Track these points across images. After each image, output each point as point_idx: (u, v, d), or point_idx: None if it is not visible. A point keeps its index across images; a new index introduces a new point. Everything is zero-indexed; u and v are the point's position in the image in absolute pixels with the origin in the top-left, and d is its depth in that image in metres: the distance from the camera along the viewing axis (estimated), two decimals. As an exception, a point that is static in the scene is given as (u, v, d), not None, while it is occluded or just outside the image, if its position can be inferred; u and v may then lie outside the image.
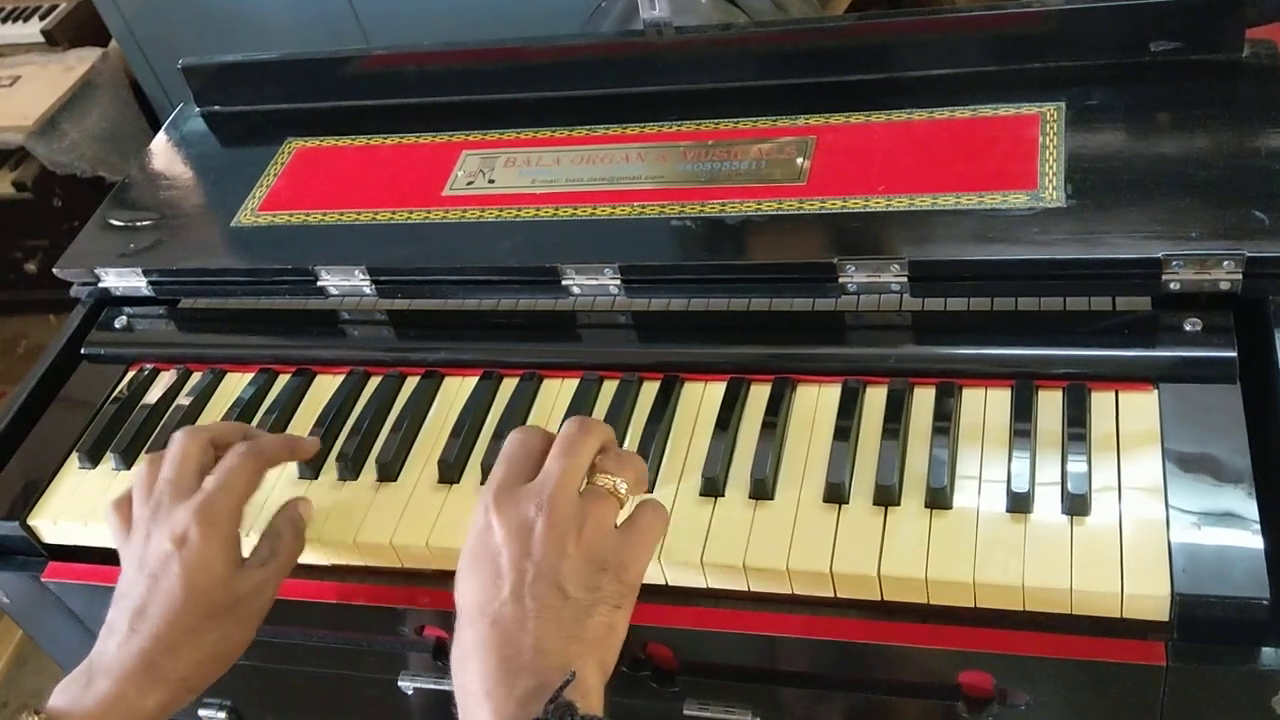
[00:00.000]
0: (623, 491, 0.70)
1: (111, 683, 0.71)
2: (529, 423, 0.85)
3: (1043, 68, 0.90)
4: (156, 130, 1.15)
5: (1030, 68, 0.91)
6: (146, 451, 0.91)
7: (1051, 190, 0.81)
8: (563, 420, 0.80)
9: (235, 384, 0.95)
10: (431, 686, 0.87)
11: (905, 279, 0.81)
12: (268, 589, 0.76)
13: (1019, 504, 0.71)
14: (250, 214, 1.00)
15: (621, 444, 0.81)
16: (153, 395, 0.96)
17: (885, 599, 0.72)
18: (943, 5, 1.32)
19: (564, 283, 0.88)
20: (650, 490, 0.78)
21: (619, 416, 0.83)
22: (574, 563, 0.66)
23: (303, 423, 0.90)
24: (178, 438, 0.79)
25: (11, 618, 0.99)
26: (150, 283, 0.99)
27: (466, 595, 0.67)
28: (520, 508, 0.67)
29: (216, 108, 1.14)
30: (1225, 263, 0.74)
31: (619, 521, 0.70)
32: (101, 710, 0.70)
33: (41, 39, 2.36)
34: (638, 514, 0.70)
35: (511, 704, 0.61)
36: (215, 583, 0.73)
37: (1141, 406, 0.74)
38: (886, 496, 0.73)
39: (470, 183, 0.97)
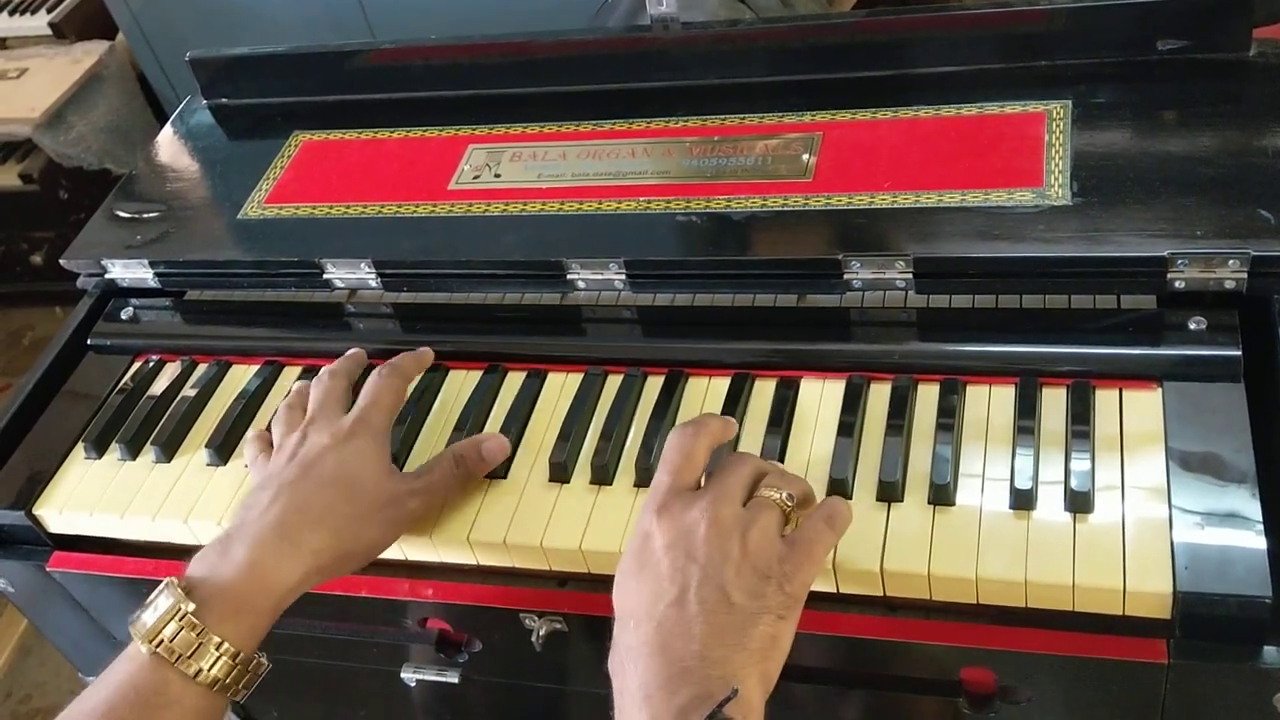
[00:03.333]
0: (789, 504, 0.68)
1: (249, 549, 0.71)
2: (533, 417, 0.85)
3: (1049, 65, 0.90)
4: (162, 123, 1.16)
5: (1037, 65, 0.91)
6: (152, 445, 0.91)
7: (1057, 188, 0.81)
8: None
9: (241, 376, 0.95)
10: (434, 678, 0.88)
11: (910, 276, 0.81)
12: (411, 501, 0.77)
13: (1022, 501, 0.71)
14: (257, 206, 1.00)
15: (625, 439, 0.82)
16: (158, 386, 0.96)
17: (888, 595, 0.72)
18: (950, 2, 1.32)
19: (569, 277, 0.88)
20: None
21: (623, 412, 0.83)
22: (739, 568, 0.64)
23: (308, 415, 0.90)
24: (322, 376, 0.84)
25: (16, 607, 0.99)
26: (156, 274, 1.00)
27: (628, 601, 0.66)
28: (684, 514, 0.67)
29: (224, 100, 1.14)
30: (1230, 262, 0.74)
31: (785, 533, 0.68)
32: (239, 575, 0.70)
33: (49, 31, 2.36)
34: (807, 523, 0.69)
35: (671, 711, 0.60)
36: (365, 476, 0.76)
37: (1145, 405, 0.75)
38: (890, 493, 0.73)
39: (476, 177, 0.97)
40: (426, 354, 0.88)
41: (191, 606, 0.68)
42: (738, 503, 0.67)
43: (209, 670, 0.68)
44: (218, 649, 0.68)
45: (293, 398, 0.85)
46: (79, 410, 0.96)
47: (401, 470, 0.81)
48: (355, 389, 0.85)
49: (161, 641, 0.67)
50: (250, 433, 0.86)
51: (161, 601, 0.68)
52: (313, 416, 0.80)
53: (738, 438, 0.79)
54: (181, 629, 0.67)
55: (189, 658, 0.67)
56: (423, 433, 0.86)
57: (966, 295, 0.82)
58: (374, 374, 0.83)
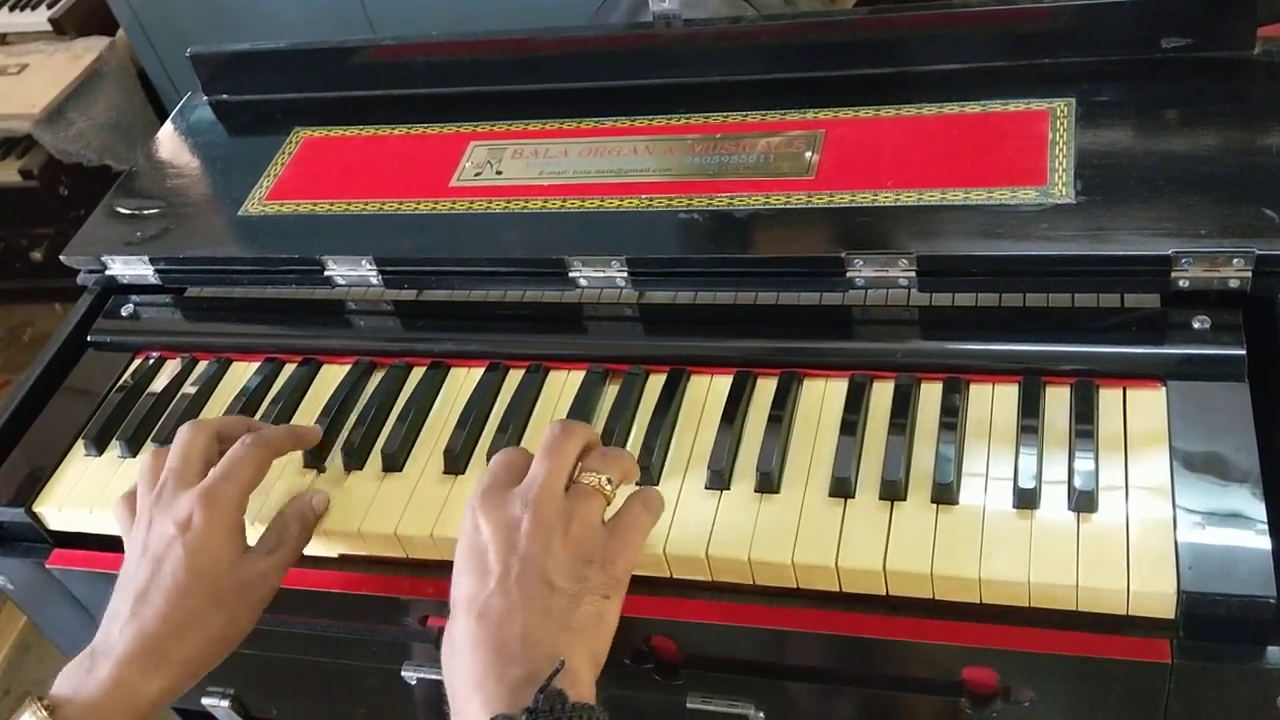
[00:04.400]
0: (608, 488, 0.70)
1: (114, 666, 0.71)
2: (534, 415, 0.85)
3: (1053, 63, 0.90)
4: (163, 120, 1.15)
5: (1040, 63, 0.90)
6: (153, 441, 0.91)
7: (1061, 186, 0.81)
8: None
9: (241, 373, 0.95)
10: (434, 677, 0.87)
11: (913, 274, 0.80)
12: (271, 577, 0.76)
13: (1025, 500, 0.71)
14: (257, 203, 1.00)
15: (626, 437, 0.81)
16: (158, 383, 0.96)
17: (890, 594, 0.72)
18: None
19: (571, 275, 0.88)
20: (655, 482, 0.78)
21: (625, 409, 0.82)
22: (560, 558, 0.66)
23: (308, 413, 0.90)
24: (183, 430, 0.80)
25: (15, 604, 0.99)
26: (157, 271, 0.99)
27: (457, 593, 0.68)
28: (506, 508, 0.68)
29: (224, 97, 1.14)
30: (1235, 260, 0.74)
31: (607, 517, 0.70)
32: (104, 694, 0.70)
33: (49, 28, 2.35)
34: (625, 509, 0.71)
35: (502, 694, 0.61)
36: (218, 567, 0.74)
37: (1149, 404, 0.74)
38: (892, 491, 0.73)
39: (478, 174, 0.96)
40: (312, 432, 0.85)
41: None
42: (559, 493, 0.69)
43: None
44: None
45: (159, 450, 0.80)
46: (79, 407, 0.96)
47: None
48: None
49: None
50: (118, 496, 0.80)
51: None
52: (161, 486, 0.76)
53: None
54: None
55: None
56: (423, 432, 0.86)
57: (970, 294, 0.82)
58: (237, 442, 0.78)
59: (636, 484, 0.77)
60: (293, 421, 0.89)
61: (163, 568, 0.73)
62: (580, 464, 0.72)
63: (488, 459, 0.82)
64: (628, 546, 0.69)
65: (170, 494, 0.76)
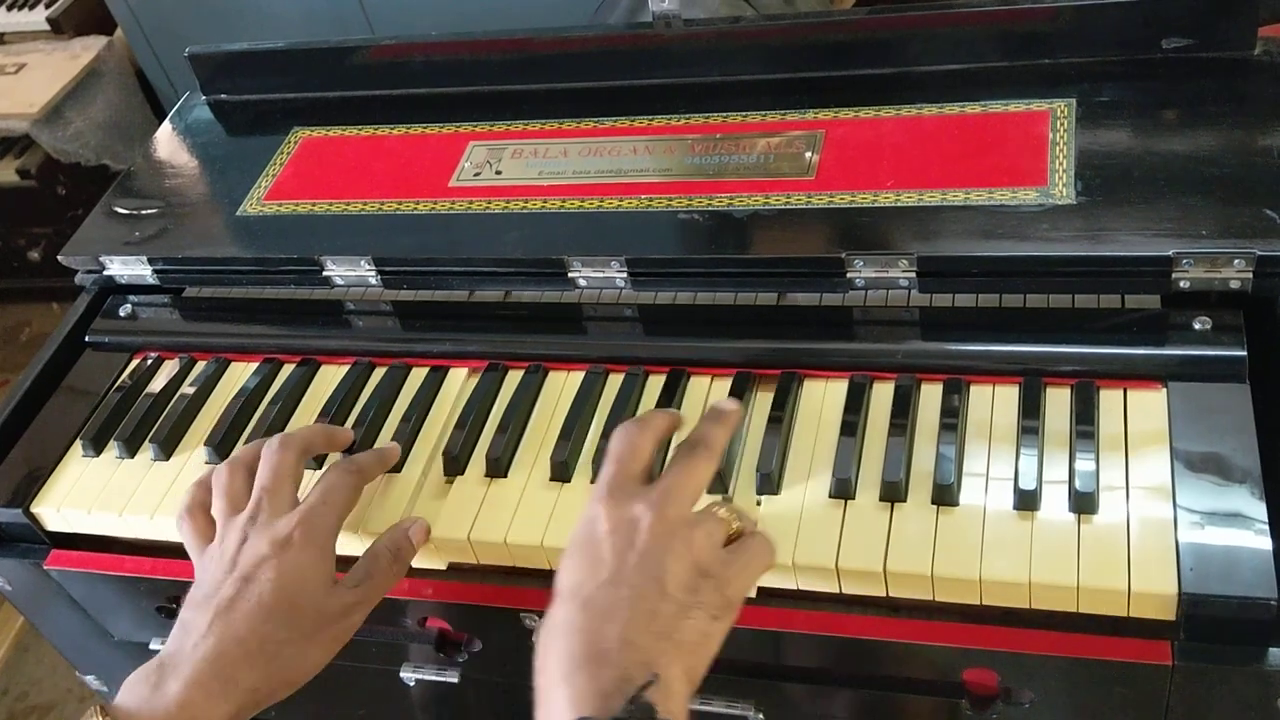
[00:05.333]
0: (736, 525, 0.68)
1: (182, 686, 0.69)
2: (533, 416, 0.85)
3: (1053, 64, 0.90)
4: (161, 119, 1.15)
5: (1041, 64, 0.90)
6: (152, 442, 0.90)
7: (1061, 187, 0.80)
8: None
9: (239, 373, 0.95)
10: (433, 678, 0.87)
11: (913, 275, 0.80)
12: (356, 613, 0.74)
13: (1026, 501, 0.71)
14: (256, 203, 1.00)
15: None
16: (156, 384, 0.96)
17: (891, 595, 0.72)
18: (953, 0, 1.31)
19: (570, 275, 0.88)
20: None
21: (624, 410, 0.82)
22: (679, 560, 0.64)
23: (307, 413, 0.90)
24: (273, 448, 0.78)
25: (13, 605, 0.99)
26: (155, 271, 0.99)
27: (564, 579, 0.66)
28: (631, 503, 0.67)
29: (223, 96, 1.13)
30: (1235, 261, 0.74)
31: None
32: (169, 714, 0.68)
33: (47, 27, 2.35)
34: (750, 540, 0.68)
35: (591, 695, 0.59)
36: (307, 594, 0.72)
37: (1150, 405, 0.74)
38: (893, 492, 0.73)
39: (477, 174, 0.96)
40: (393, 451, 0.83)
41: None
42: (686, 505, 0.68)
43: None
44: None
45: (236, 463, 0.79)
46: (77, 408, 0.96)
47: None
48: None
49: None
50: (186, 499, 0.79)
51: None
52: (257, 506, 0.75)
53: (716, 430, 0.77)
54: None
55: None
56: (423, 431, 0.86)
57: (970, 294, 0.82)
58: (333, 468, 0.78)
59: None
60: (291, 422, 0.89)
61: (250, 587, 0.71)
62: (712, 505, 0.69)
63: (487, 460, 0.82)
64: (746, 572, 0.67)
65: (267, 514, 0.74)
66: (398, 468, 0.84)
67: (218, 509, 0.77)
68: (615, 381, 0.85)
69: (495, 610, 0.81)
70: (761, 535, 0.69)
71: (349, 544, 0.82)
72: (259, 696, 0.71)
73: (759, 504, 0.75)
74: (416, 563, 0.81)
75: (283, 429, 0.88)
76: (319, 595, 0.72)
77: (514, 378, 0.88)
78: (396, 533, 0.78)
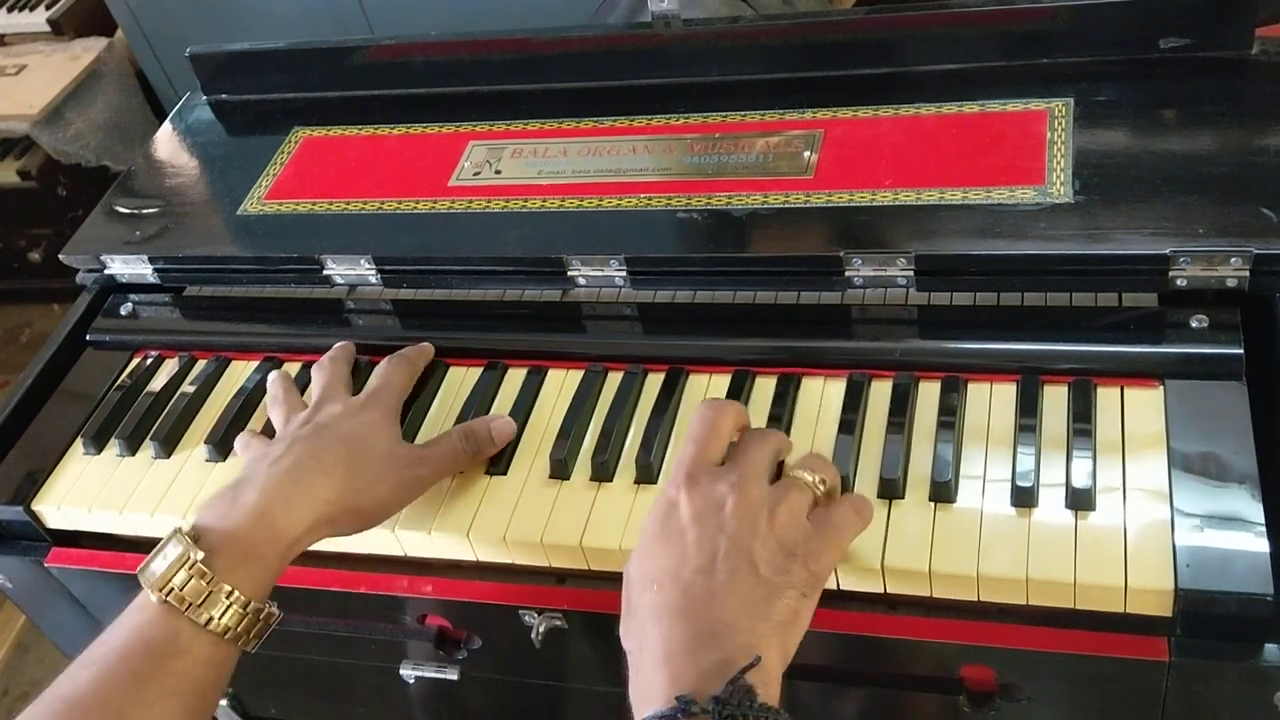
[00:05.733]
0: (820, 487, 0.69)
1: (259, 494, 0.71)
2: (533, 414, 0.85)
3: (1051, 63, 0.90)
4: (161, 120, 1.16)
5: (1039, 63, 0.90)
6: (153, 440, 0.91)
7: (1059, 186, 0.81)
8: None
9: (240, 372, 0.95)
10: (432, 675, 0.88)
11: (911, 273, 0.81)
12: (421, 467, 0.78)
13: (1023, 498, 0.71)
14: (256, 202, 1.00)
15: (625, 436, 0.82)
16: (157, 382, 0.96)
17: (889, 592, 0.72)
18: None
19: (569, 274, 0.88)
20: (653, 481, 0.78)
21: (623, 409, 0.83)
22: (766, 542, 0.64)
23: (307, 411, 0.90)
24: (325, 362, 0.86)
25: (14, 603, 0.99)
26: (155, 270, 0.99)
27: (652, 564, 0.66)
28: (712, 486, 0.67)
29: (223, 96, 1.14)
30: (1232, 260, 0.74)
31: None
32: (248, 522, 0.70)
33: (47, 28, 2.35)
34: (836, 507, 0.69)
35: (692, 674, 0.59)
36: (377, 440, 0.78)
37: (1147, 403, 0.74)
38: (891, 490, 0.73)
39: (477, 173, 0.96)
40: (428, 348, 0.90)
41: (200, 555, 0.68)
42: (765, 480, 0.68)
43: (220, 619, 0.68)
44: (228, 597, 0.68)
45: (279, 387, 0.86)
46: (77, 406, 0.96)
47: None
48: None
49: (171, 590, 0.67)
50: (241, 435, 0.86)
51: (170, 550, 0.68)
52: (323, 395, 0.82)
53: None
54: (191, 577, 0.67)
55: (199, 606, 0.67)
56: (423, 429, 0.86)
57: (968, 293, 0.82)
58: (384, 361, 0.86)
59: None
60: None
61: (326, 427, 0.78)
62: (795, 465, 0.70)
63: (487, 459, 0.82)
64: (832, 545, 0.67)
65: (333, 395, 0.82)
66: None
67: (276, 415, 0.84)
68: (614, 380, 0.86)
69: (494, 608, 0.81)
70: (846, 502, 0.69)
71: (349, 544, 0.83)
72: (332, 510, 0.74)
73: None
74: (414, 555, 0.82)
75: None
76: (390, 442, 0.78)
77: (514, 376, 0.88)
78: (479, 420, 0.83)
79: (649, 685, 0.61)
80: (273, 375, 0.89)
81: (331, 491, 0.74)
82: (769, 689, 0.60)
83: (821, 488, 0.69)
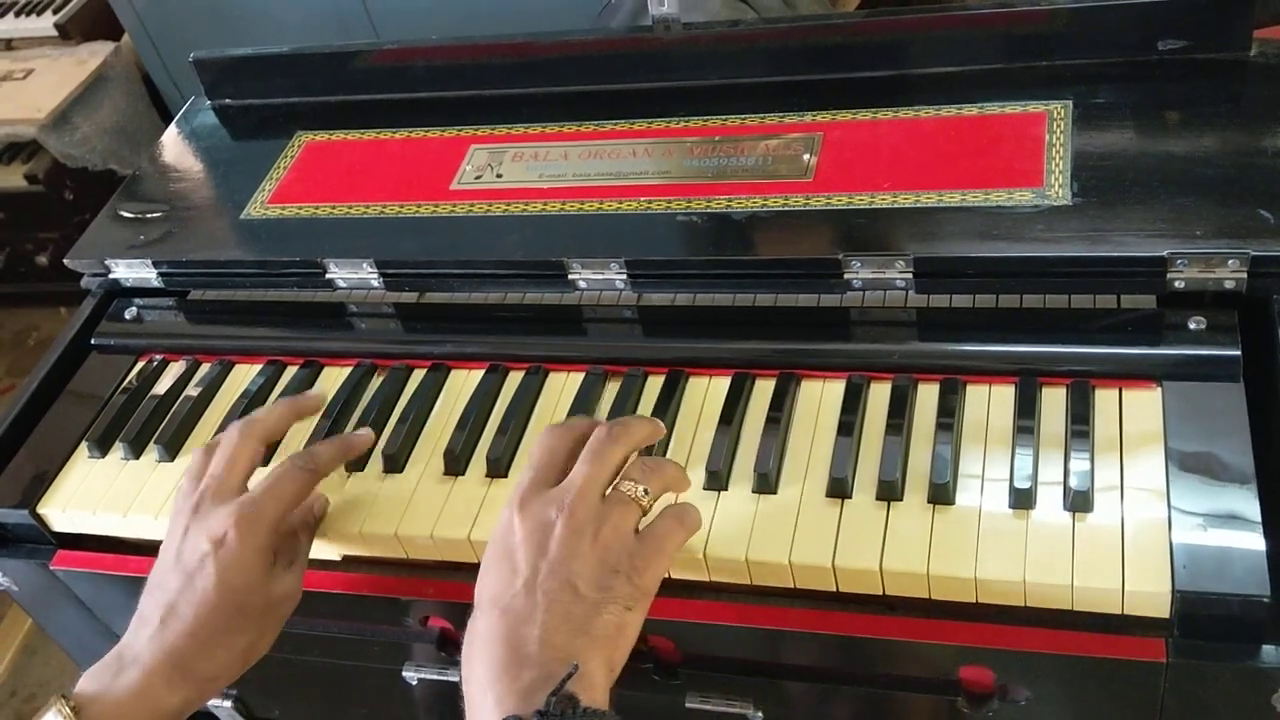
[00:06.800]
0: (645, 499, 0.70)
1: (140, 674, 0.71)
2: (534, 416, 0.85)
3: (1049, 66, 0.90)
4: (167, 124, 1.16)
5: (1037, 66, 0.91)
6: (156, 443, 0.91)
7: (1057, 188, 0.81)
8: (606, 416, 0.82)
9: (243, 375, 0.95)
10: (435, 677, 0.88)
11: (910, 275, 0.81)
12: (294, 592, 0.77)
13: (1022, 500, 0.71)
14: (260, 206, 1.01)
15: (626, 438, 0.82)
16: (162, 386, 0.96)
17: (887, 594, 0.72)
18: (951, 3, 1.32)
19: (570, 277, 0.89)
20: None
21: (623, 411, 0.83)
22: (587, 563, 0.66)
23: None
24: (232, 435, 0.80)
25: (20, 606, 0.99)
26: (160, 274, 1.00)
27: (483, 589, 0.68)
28: (542, 510, 0.69)
29: (227, 101, 1.14)
30: (1230, 261, 0.74)
31: (641, 527, 0.70)
32: (129, 700, 0.71)
33: (54, 32, 2.37)
34: (658, 521, 0.71)
35: (515, 695, 0.62)
36: (249, 586, 0.74)
37: (1145, 404, 0.75)
38: (889, 492, 0.74)
39: (478, 177, 0.97)
40: (361, 439, 0.84)
41: None
42: (595, 499, 0.69)
43: None
44: None
45: (209, 446, 0.81)
46: (83, 410, 0.96)
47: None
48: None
49: None
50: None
51: (50, 719, 0.69)
52: (201, 496, 0.77)
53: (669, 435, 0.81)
54: None
55: None
56: (424, 433, 0.87)
57: (967, 295, 0.83)
58: (286, 461, 0.78)
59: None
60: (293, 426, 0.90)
61: (194, 582, 0.73)
62: (623, 472, 0.72)
63: (487, 460, 0.82)
64: (656, 558, 0.69)
65: (209, 505, 0.76)
66: (398, 468, 0.84)
67: (183, 493, 0.79)
68: (615, 382, 0.86)
69: (496, 609, 0.81)
70: (669, 513, 0.71)
71: (352, 546, 0.83)
72: (217, 683, 0.74)
73: (756, 502, 0.76)
74: (422, 558, 0.82)
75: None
76: (260, 584, 0.74)
77: (515, 378, 0.88)
78: (303, 511, 0.81)
79: (478, 707, 0.63)
80: (196, 450, 0.82)
81: (211, 668, 0.73)
82: (593, 694, 0.62)
83: (645, 497, 0.70)
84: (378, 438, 0.87)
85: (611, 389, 0.86)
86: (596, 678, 0.63)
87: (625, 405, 0.83)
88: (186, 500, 0.77)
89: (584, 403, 0.84)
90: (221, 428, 0.90)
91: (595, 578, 0.66)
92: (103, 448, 0.92)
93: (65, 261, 1.03)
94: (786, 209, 0.86)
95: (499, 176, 0.96)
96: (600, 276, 0.88)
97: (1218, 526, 0.67)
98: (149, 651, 0.72)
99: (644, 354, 0.87)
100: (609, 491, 0.70)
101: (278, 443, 0.86)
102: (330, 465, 0.81)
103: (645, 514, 0.71)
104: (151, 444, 0.91)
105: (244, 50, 1.12)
